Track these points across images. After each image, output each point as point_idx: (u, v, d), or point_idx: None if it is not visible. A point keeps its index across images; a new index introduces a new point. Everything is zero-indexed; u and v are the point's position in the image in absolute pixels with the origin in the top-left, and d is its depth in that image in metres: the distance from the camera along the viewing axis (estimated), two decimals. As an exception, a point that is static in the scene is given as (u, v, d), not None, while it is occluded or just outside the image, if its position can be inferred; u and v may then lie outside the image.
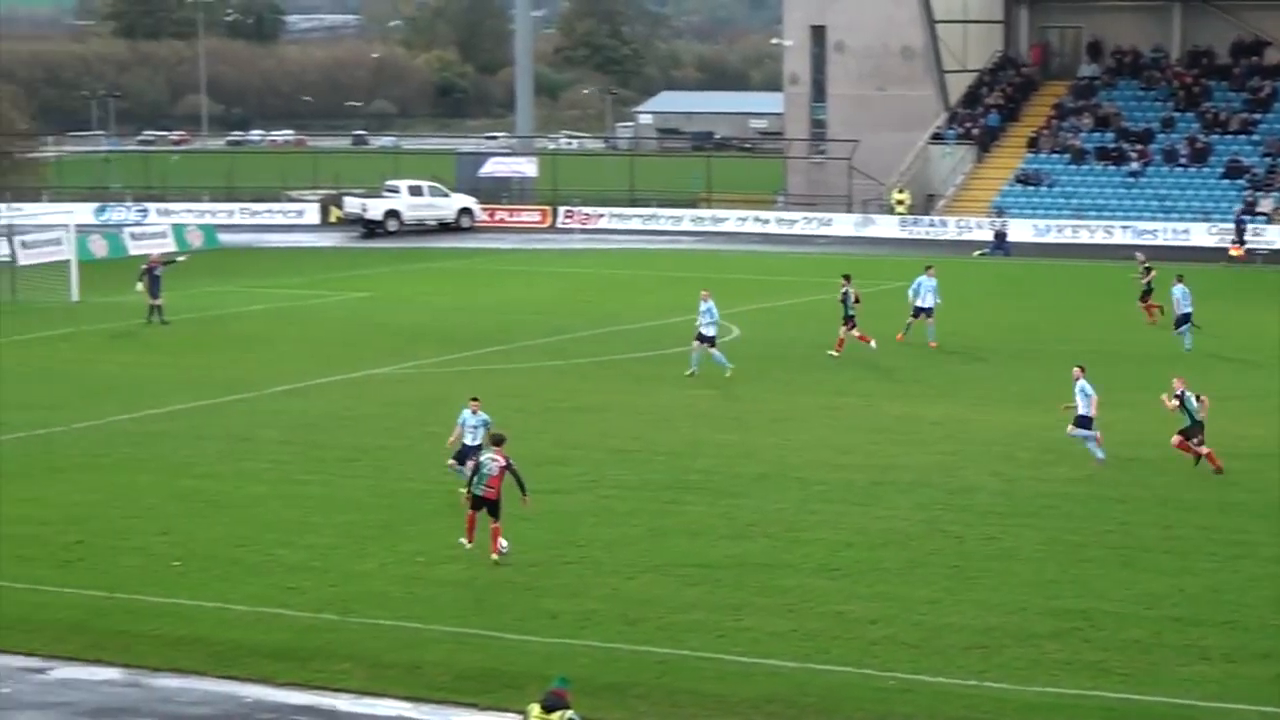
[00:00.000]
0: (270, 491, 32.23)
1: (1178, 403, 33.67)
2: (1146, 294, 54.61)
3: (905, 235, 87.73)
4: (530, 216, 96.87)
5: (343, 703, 21.61)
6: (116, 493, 32.19)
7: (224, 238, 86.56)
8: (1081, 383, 34.42)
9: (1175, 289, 50.10)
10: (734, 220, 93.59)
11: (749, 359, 47.23)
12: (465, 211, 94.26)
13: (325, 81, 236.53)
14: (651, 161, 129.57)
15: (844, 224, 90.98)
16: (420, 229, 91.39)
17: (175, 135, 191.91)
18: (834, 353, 48.03)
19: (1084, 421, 34.25)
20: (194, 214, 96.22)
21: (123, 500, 31.61)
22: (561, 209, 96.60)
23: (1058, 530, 29.48)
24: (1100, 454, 34.15)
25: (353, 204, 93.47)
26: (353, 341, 51.65)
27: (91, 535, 29.10)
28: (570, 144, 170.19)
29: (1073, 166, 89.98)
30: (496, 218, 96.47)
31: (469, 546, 27.61)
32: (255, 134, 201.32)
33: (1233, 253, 77.16)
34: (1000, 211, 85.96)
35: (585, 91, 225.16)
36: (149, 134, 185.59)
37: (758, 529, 29.74)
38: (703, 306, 44.61)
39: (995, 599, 25.50)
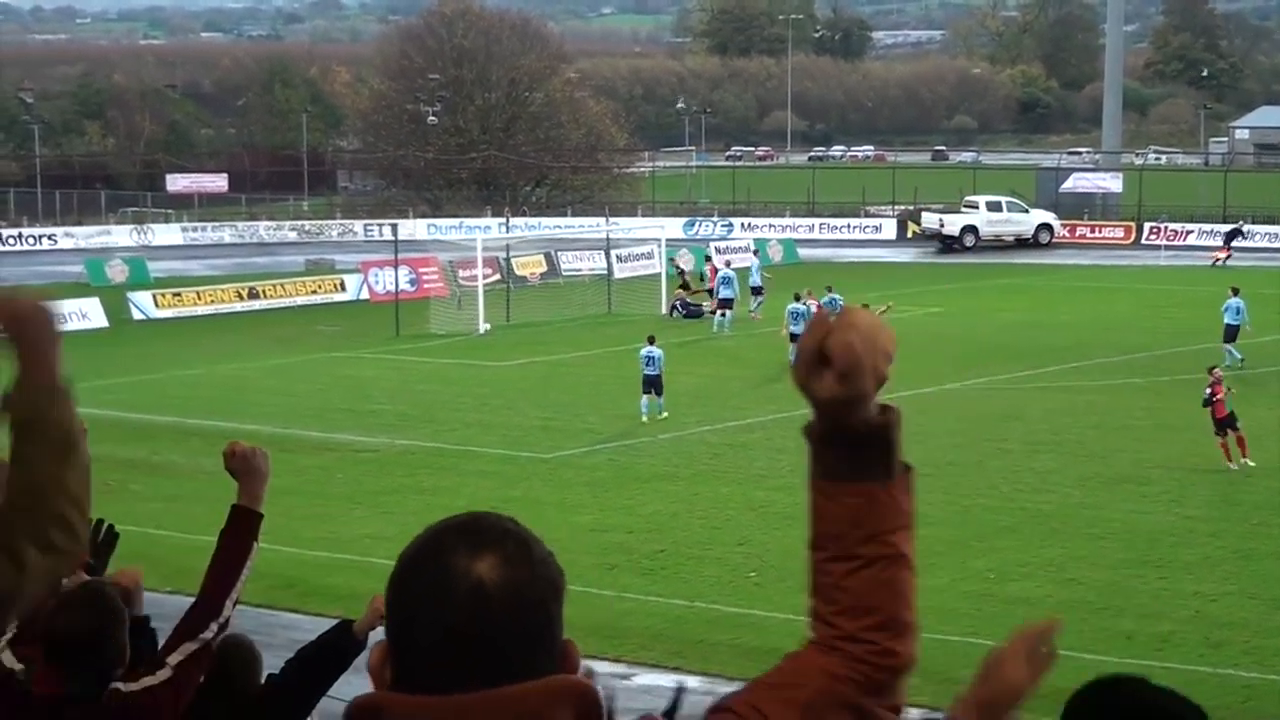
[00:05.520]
0: (842, 504, 32.45)
1: None
2: None
3: None
4: (1113, 233, 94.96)
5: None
6: (696, 503, 33.00)
7: (803, 252, 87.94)
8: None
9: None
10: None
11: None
12: (1044, 227, 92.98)
13: (907, 97, 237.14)
14: (1247, 177, 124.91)
15: None
16: (997, 244, 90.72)
17: (760, 151, 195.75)
18: None
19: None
20: (775, 229, 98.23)
21: (703, 510, 32.41)
22: (1147, 225, 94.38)
23: None
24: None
25: (930, 219, 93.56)
26: (925, 356, 51.56)
27: (674, 545, 29.90)
28: (1158, 159, 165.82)
29: None
30: (1077, 234, 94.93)
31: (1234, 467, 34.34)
32: (836, 149, 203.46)
33: None
34: None
35: (1177, 105, 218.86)
36: (736, 149, 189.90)
37: (1357, 553, 28.50)
38: None
39: None
